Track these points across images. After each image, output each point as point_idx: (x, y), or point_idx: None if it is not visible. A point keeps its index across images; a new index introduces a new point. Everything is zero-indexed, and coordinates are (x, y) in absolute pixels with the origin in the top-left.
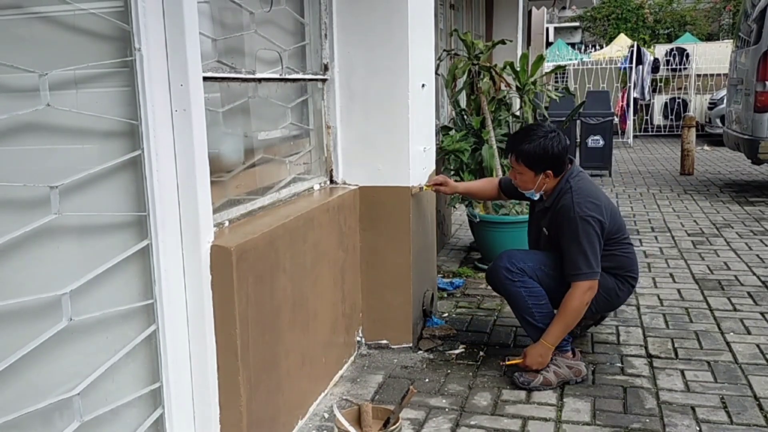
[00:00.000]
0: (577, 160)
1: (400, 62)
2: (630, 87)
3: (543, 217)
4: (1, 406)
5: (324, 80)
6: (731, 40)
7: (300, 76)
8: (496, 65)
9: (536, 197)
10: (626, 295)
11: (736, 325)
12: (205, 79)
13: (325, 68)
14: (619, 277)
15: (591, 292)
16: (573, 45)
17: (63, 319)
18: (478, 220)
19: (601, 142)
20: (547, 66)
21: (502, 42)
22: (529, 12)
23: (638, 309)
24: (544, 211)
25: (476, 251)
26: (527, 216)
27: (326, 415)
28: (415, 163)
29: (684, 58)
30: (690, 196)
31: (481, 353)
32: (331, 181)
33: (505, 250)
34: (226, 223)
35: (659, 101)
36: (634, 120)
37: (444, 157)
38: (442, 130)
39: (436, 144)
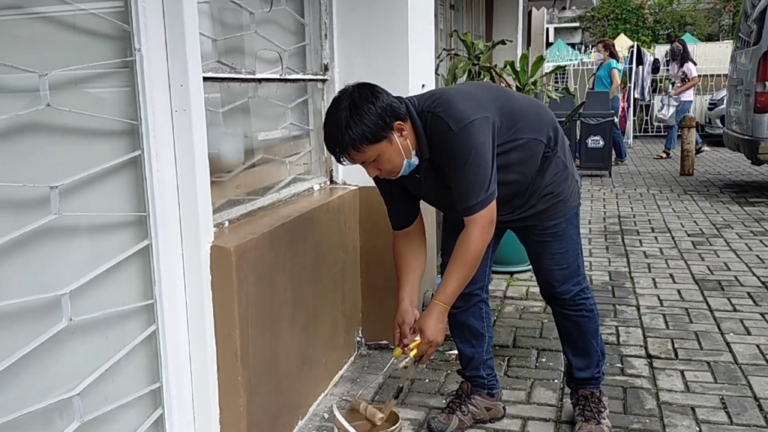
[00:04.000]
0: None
1: (400, 62)
2: (630, 87)
3: (431, 175)
4: (1, 406)
5: (324, 80)
6: (731, 41)
7: (300, 76)
8: (496, 65)
9: (415, 161)
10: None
11: (736, 325)
12: (205, 79)
13: (325, 68)
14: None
15: (492, 225)
16: (573, 45)
17: (63, 319)
18: None
19: (601, 143)
20: (548, 66)
21: (502, 42)
22: (529, 12)
23: (638, 309)
24: (427, 169)
25: None
26: None
27: (326, 416)
28: None
29: None
30: (690, 197)
31: None
32: (331, 182)
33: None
34: (226, 224)
35: (659, 101)
36: (633, 120)
37: None
38: None
39: None
